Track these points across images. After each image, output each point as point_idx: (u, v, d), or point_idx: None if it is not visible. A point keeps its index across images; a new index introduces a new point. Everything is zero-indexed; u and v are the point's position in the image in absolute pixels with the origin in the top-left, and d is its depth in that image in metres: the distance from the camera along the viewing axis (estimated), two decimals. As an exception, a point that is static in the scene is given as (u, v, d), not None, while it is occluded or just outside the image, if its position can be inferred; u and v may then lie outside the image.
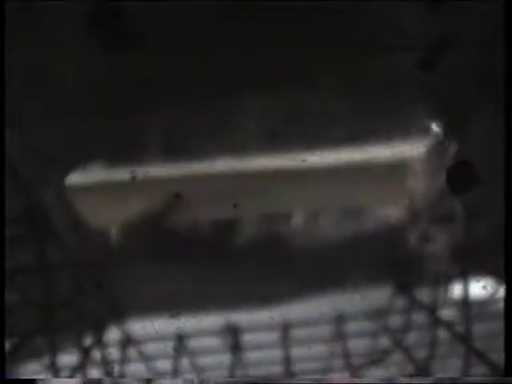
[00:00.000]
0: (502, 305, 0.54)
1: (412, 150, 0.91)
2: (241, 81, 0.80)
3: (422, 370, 0.64)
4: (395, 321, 0.72)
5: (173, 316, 1.03)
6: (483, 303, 0.66)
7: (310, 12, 0.81)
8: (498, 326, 0.54)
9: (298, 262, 1.26)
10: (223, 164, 0.83)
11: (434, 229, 0.73)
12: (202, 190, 0.85)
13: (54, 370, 0.62)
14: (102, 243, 0.94)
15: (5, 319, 0.52)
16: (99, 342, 0.73)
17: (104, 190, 0.82)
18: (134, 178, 0.77)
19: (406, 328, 0.71)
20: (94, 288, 0.76)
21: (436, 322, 0.66)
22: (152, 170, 0.79)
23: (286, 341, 0.73)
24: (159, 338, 0.79)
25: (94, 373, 0.71)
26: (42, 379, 0.57)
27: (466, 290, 0.61)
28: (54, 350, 0.62)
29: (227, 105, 0.84)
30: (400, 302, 0.71)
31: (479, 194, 0.62)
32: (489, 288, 0.63)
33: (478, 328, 0.63)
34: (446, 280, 0.70)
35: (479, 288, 0.68)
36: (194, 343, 0.75)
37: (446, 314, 0.67)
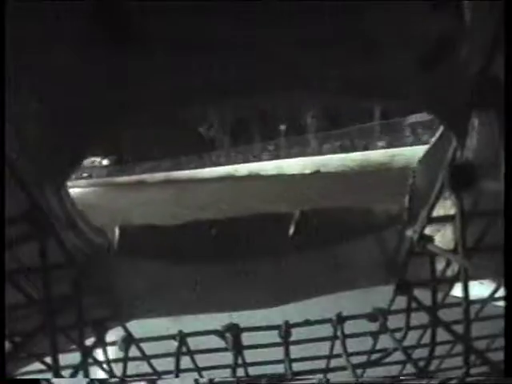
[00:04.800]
0: (502, 305, 0.54)
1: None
2: None
3: (422, 370, 0.64)
4: (395, 321, 0.72)
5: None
6: (483, 303, 0.65)
7: None
8: (498, 326, 0.54)
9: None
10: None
11: (434, 228, 0.73)
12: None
13: (56, 370, 0.62)
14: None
15: (5, 319, 0.52)
16: (101, 342, 0.73)
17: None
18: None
19: (406, 328, 0.71)
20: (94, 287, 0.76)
21: (436, 322, 0.66)
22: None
23: (286, 340, 0.73)
24: (161, 337, 0.80)
25: (96, 372, 0.71)
26: (44, 379, 0.58)
27: (465, 291, 0.61)
28: (55, 350, 0.62)
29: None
30: (400, 301, 0.71)
31: (479, 193, 0.61)
32: (489, 288, 0.63)
33: (478, 328, 0.63)
34: (446, 280, 0.69)
35: (479, 288, 0.68)
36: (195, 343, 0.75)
37: (446, 314, 0.67)
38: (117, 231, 0.99)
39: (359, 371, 0.67)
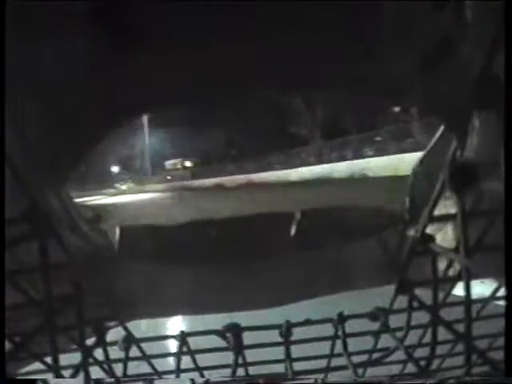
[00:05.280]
0: (502, 305, 0.54)
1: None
2: None
3: (423, 369, 0.64)
4: (395, 321, 0.72)
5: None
6: (484, 302, 0.65)
7: None
8: (499, 325, 0.54)
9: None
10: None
11: (434, 228, 0.73)
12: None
13: (55, 370, 0.62)
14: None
15: (5, 319, 0.52)
16: (101, 342, 0.73)
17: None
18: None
19: (407, 327, 0.71)
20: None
21: (437, 321, 0.66)
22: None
23: (287, 340, 0.73)
24: (161, 337, 0.79)
25: (96, 373, 0.71)
26: (43, 379, 0.57)
27: (466, 290, 0.61)
28: (55, 350, 0.62)
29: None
30: (400, 301, 0.71)
31: (479, 193, 0.61)
32: (490, 287, 0.63)
33: (479, 328, 0.63)
34: (447, 279, 0.69)
35: (480, 287, 0.68)
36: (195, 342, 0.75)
37: (448, 313, 0.67)
38: (117, 232, 0.99)
39: (360, 370, 0.67)
